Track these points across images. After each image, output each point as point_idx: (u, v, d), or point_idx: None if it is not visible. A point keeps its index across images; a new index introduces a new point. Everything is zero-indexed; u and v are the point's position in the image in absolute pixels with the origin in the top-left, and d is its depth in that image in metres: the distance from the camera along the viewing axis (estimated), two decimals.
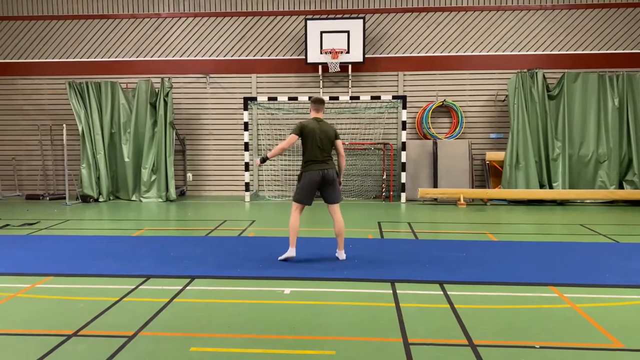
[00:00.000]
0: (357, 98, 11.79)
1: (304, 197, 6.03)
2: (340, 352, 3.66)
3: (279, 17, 12.58)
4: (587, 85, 11.34)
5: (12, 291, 5.06)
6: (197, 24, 12.73)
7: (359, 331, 4.05)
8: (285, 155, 12.07)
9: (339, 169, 6.21)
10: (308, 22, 11.95)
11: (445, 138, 12.15)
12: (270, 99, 11.91)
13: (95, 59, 12.92)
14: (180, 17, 12.74)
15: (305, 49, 12.03)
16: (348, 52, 11.83)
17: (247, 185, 11.93)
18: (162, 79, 11.92)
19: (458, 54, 12.37)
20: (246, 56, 12.72)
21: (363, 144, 12.33)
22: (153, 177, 11.97)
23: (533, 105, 11.41)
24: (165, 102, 11.85)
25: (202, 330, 4.08)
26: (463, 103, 12.38)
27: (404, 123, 11.51)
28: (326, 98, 11.81)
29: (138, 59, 12.85)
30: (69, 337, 3.94)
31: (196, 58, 12.80)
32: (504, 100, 12.24)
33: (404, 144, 11.51)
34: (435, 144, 11.75)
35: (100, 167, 11.99)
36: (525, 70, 11.53)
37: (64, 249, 6.79)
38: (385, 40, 12.44)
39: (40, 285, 5.28)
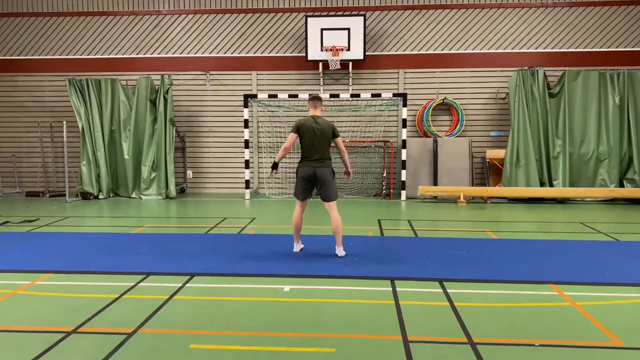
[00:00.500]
0: (358, 96, 11.77)
1: (297, 192, 6.21)
2: (340, 350, 3.66)
3: (280, 14, 12.56)
4: (588, 83, 11.32)
5: (12, 288, 5.07)
6: (197, 20, 12.71)
7: (358, 329, 4.04)
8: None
9: (344, 163, 6.36)
10: (308, 19, 11.93)
11: (445, 136, 12.14)
12: (270, 96, 11.90)
13: (96, 56, 12.90)
14: (181, 14, 12.72)
15: (306, 46, 12.01)
16: (349, 49, 11.82)
17: (247, 182, 11.92)
18: (162, 76, 11.91)
19: (459, 51, 12.34)
20: (246, 53, 12.70)
21: (363, 142, 12.32)
22: (153, 175, 11.96)
23: (534, 103, 11.39)
24: (165, 99, 11.84)
25: (202, 328, 4.08)
26: (464, 101, 12.37)
27: (404, 121, 11.49)
28: (327, 96, 11.84)
29: (138, 56, 12.83)
30: (68, 334, 3.94)
31: (196, 55, 12.78)
32: (504, 98, 12.22)
33: (404, 141, 11.50)
34: (435, 141, 11.74)
35: (100, 164, 11.99)
36: (526, 68, 11.51)
37: (64, 246, 6.78)
38: (386, 38, 12.42)
39: (40, 282, 5.28)
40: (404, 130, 11.50)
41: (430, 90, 12.41)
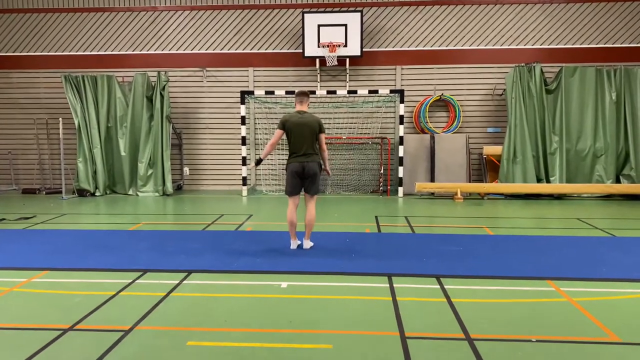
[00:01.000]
0: (355, 92, 11.76)
1: (288, 188, 6.25)
2: (337, 346, 3.66)
3: (276, 10, 12.52)
4: (585, 80, 11.33)
5: (8, 285, 5.05)
6: (193, 17, 12.66)
7: (355, 325, 4.04)
8: (283, 149, 12.04)
9: (323, 161, 6.34)
10: (305, 15, 11.90)
11: (442, 132, 12.14)
12: (267, 92, 11.87)
13: (92, 53, 12.85)
14: (177, 11, 12.66)
15: (303, 42, 11.97)
16: (346, 45, 11.79)
17: (244, 179, 11.90)
18: (159, 72, 11.87)
19: (456, 47, 12.33)
20: (243, 49, 12.66)
21: (361, 138, 12.31)
22: (150, 171, 11.94)
23: (531, 100, 11.40)
24: (162, 96, 11.80)
25: (199, 325, 4.08)
26: (461, 97, 12.37)
27: (401, 117, 11.48)
28: (324, 92, 11.83)
29: (134, 52, 12.78)
30: (65, 331, 3.93)
31: (193, 51, 12.74)
32: (501, 95, 12.22)
33: (401, 138, 11.49)
34: (432, 138, 11.74)
35: (97, 161, 11.95)
36: (523, 64, 11.50)
37: (61, 243, 6.77)
38: (383, 34, 12.40)
39: (36, 279, 5.26)
40: (401, 127, 11.49)
41: (428, 86, 12.40)
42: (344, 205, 10.35)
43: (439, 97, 12.19)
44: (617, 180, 11.44)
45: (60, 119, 11.85)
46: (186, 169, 12.99)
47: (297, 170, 6.12)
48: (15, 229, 7.88)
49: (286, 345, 3.68)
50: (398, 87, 12.27)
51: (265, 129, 12.50)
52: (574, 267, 5.60)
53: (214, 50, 12.70)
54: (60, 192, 11.85)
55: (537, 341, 3.73)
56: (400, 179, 11.55)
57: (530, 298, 4.69)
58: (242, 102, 11.76)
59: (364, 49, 12.03)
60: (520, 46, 12.22)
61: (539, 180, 11.40)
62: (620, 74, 11.30)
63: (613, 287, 4.98)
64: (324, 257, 6.01)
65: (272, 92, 11.83)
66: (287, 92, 11.75)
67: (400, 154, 11.50)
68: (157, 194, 11.86)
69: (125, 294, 4.78)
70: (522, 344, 3.70)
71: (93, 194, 11.90)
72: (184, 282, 5.14)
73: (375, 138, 12.28)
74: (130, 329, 3.94)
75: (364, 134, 12.37)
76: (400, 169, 11.52)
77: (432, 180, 11.65)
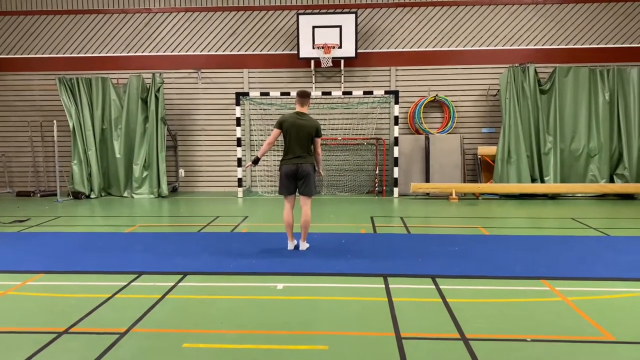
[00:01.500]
0: (350, 93, 11.78)
1: (281, 188, 6.28)
2: (333, 347, 3.66)
3: (271, 12, 12.52)
4: (578, 80, 11.39)
5: (3, 289, 5.03)
6: (188, 18, 12.64)
7: (351, 326, 4.05)
8: (279, 150, 12.04)
9: (317, 163, 6.37)
10: (300, 16, 11.90)
11: (437, 133, 12.17)
12: (262, 94, 11.87)
13: (86, 55, 12.81)
14: (171, 12, 12.65)
15: (298, 43, 11.98)
16: (340, 47, 11.80)
17: (239, 180, 11.89)
18: (154, 74, 11.84)
19: (450, 48, 12.37)
20: (238, 51, 12.66)
21: (356, 139, 12.32)
22: (145, 173, 11.91)
23: (525, 100, 11.44)
24: (157, 98, 11.78)
25: (195, 327, 4.07)
26: (455, 98, 12.40)
27: (396, 118, 11.51)
28: (319, 93, 11.84)
29: (129, 54, 12.76)
30: (60, 334, 3.91)
31: (187, 53, 12.72)
32: (495, 95, 12.27)
33: (396, 139, 11.51)
34: (427, 138, 11.77)
35: (92, 163, 11.91)
36: (517, 65, 11.55)
37: (55, 246, 6.74)
38: (378, 35, 12.43)
39: (31, 282, 5.24)
40: (396, 128, 11.52)
41: (422, 87, 12.43)
42: (340, 206, 10.36)
43: (433, 98, 12.22)
44: (611, 180, 11.50)
45: (55, 121, 11.81)
46: (181, 171, 12.96)
47: (291, 171, 6.13)
48: (9, 232, 7.84)
49: (282, 347, 3.69)
50: (393, 88, 12.29)
51: (261, 130, 12.50)
52: (569, 266, 5.63)
53: (208, 51, 12.70)
54: (55, 195, 11.80)
55: (532, 340, 3.75)
56: (396, 179, 11.57)
57: (525, 298, 4.71)
58: (237, 104, 11.76)
59: (358, 50, 12.05)
60: (514, 47, 12.27)
61: (533, 180, 11.45)
62: (613, 74, 11.37)
63: (607, 286, 5.01)
64: (319, 258, 6.02)
65: (267, 94, 11.83)
66: (282, 94, 11.76)
67: (395, 154, 11.52)
68: (152, 196, 11.83)
69: (121, 297, 4.77)
70: (518, 343, 3.72)
71: (88, 197, 11.86)
72: (180, 284, 5.13)
73: (370, 139, 12.30)
74: (126, 332, 3.94)
75: (359, 135, 12.38)
76: (396, 169, 11.54)
77: (427, 180, 11.68)
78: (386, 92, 11.75)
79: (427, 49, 12.40)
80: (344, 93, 11.81)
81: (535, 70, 11.43)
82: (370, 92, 11.74)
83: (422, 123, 12.21)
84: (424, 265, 5.67)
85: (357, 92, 11.73)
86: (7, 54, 12.89)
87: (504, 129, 11.43)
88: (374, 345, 3.69)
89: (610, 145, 11.45)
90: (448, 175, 11.64)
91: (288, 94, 11.74)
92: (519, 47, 12.26)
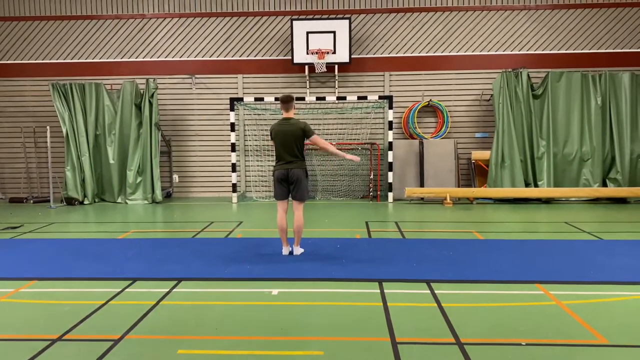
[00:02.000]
0: (344, 98, 11.80)
1: (275, 193, 6.40)
2: (328, 352, 3.66)
3: (265, 18, 12.55)
4: (571, 85, 11.47)
5: None
6: (182, 24, 12.65)
7: (346, 331, 4.05)
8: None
9: (336, 154, 6.56)
10: (294, 22, 11.94)
11: (431, 138, 12.21)
12: (256, 99, 11.87)
13: (79, 60, 12.78)
14: (165, 18, 12.65)
15: (292, 49, 12.01)
16: (334, 52, 11.84)
17: (234, 186, 11.88)
18: (147, 80, 11.83)
19: (443, 54, 12.43)
20: (232, 56, 12.67)
21: (350, 144, 12.34)
22: (139, 179, 11.87)
23: (518, 105, 11.51)
24: (151, 103, 11.76)
25: (190, 333, 4.06)
26: (449, 103, 12.46)
27: (390, 123, 11.54)
28: (313, 98, 11.86)
29: (123, 60, 12.74)
30: (54, 341, 3.89)
31: (181, 59, 12.72)
32: (489, 100, 12.33)
33: (390, 143, 11.55)
34: (421, 143, 11.81)
35: (85, 169, 11.87)
36: (510, 70, 11.63)
37: (49, 253, 6.70)
38: (372, 41, 12.47)
39: (24, 289, 5.21)
40: (390, 133, 11.55)
41: (416, 92, 12.48)
42: (335, 211, 10.37)
43: (427, 103, 12.27)
44: (604, 184, 11.57)
45: (48, 127, 11.77)
46: (175, 176, 12.93)
47: (282, 176, 6.23)
48: (2, 238, 7.79)
49: (277, 353, 3.68)
50: (387, 93, 12.33)
51: (255, 135, 12.50)
52: (563, 270, 5.65)
53: (202, 57, 12.70)
54: (49, 201, 11.75)
55: (526, 344, 3.76)
56: (390, 184, 11.59)
57: (520, 302, 4.72)
58: (232, 109, 11.75)
59: (352, 56, 12.09)
60: (507, 52, 12.35)
61: (527, 185, 11.50)
62: (606, 79, 11.46)
63: (601, 289, 5.04)
64: (314, 263, 6.01)
65: (262, 99, 11.83)
66: (276, 99, 11.75)
67: (390, 159, 11.55)
68: (146, 202, 11.79)
69: (115, 303, 4.75)
70: (512, 347, 3.73)
71: (81, 203, 11.81)
72: (174, 290, 5.11)
73: (365, 144, 12.32)
74: (120, 338, 3.92)
75: (354, 139, 12.41)
76: (390, 174, 11.56)
77: (422, 185, 11.71)
78: (380, 97, 11.79)
79: (420, 54, 12.46)
80: (338, 98, 11.85)
81: (528, 75, 11.51)
82: (365, 97, 11.78)
83: (416, 128, 12.26)
84: (419, 270, 5.68)
85: (352, 97, 11.76)
86: (0, 60, 12.84)
87: (497, 134, 11.49)
88: (369, 351, 3.69)
89: (602, 150, 11.52)
90: (442, 179, 11.68)
91: None
92: (512, 53, 12.34)
